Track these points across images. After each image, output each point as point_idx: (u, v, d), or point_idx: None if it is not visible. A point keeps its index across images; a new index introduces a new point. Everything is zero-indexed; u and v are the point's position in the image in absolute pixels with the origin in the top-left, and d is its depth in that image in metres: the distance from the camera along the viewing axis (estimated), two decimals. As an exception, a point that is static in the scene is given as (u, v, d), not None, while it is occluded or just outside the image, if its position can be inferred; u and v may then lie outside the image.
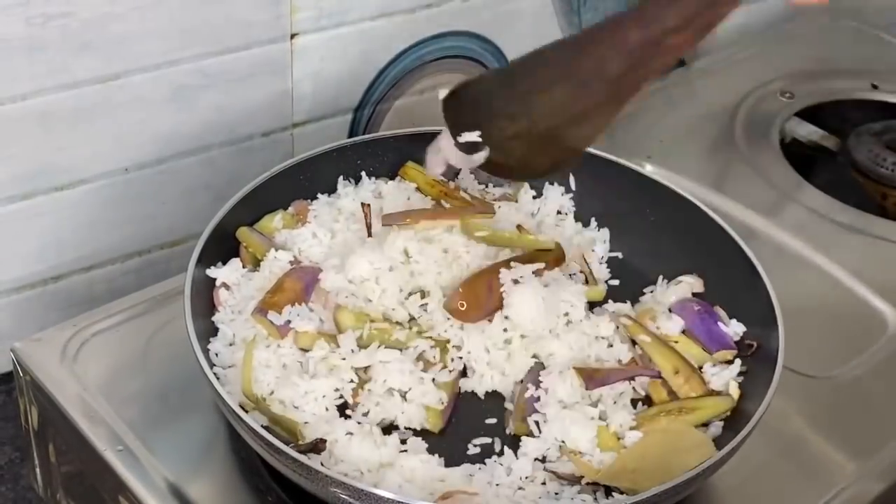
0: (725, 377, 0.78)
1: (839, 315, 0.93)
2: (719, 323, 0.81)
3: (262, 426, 0.69)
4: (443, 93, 0.68)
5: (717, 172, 1.09)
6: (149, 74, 0.93)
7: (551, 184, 0.92)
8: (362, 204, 0.85)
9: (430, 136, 0.91)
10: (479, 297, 0.78)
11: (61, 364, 0.81)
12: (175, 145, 0.97)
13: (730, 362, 0.79)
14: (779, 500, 0.78)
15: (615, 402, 0.76)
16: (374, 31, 1.04)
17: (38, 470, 0.87)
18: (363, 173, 0.90)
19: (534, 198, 0.92)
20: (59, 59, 0.87)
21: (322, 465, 0.69)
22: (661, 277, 0.86)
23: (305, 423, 0.73)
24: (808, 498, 0.78)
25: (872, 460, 0.81)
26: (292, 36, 0.99)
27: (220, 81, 0.97)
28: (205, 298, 0.79)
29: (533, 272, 0.80)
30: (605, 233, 0.90)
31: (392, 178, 0.91)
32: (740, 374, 0.79)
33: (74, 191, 0.94)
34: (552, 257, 0.83)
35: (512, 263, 0.81)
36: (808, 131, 1.17)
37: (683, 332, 0.81)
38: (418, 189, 0.89)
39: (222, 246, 0.82)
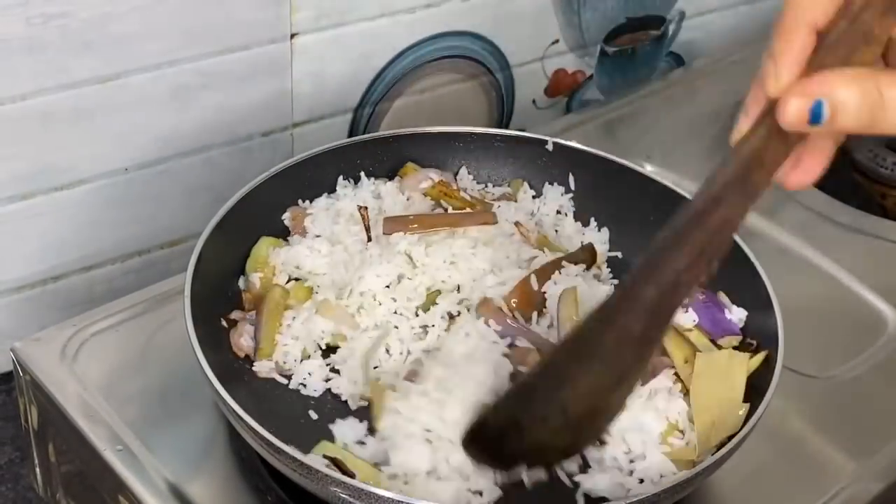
0: None
1: (839, 315, 0.93)
2: (724, 310, 0.81)
3: (260, 426, 0.69)
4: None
5: (717, 172, 1.09)
6: (149, 74, 0.93)
7: (551, 184, 0.92)
8: (359, 207, 0.85)
9: (431, 136, 0.91)
10: (530, 299, 0.80)
11: (61, 364, 0.81)
12: (175, 145, 0.98)
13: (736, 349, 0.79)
14: (778, 500, 0.78)
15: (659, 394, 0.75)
16: (374, 31, 1.05)
17: (38, 470, 0.87)
18: (362, 173, 0.90)
19: (533, 198, 0.92)
20: (59, 59, 0.87)
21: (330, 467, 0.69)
22: None
23: None
24: (807, 498, 0.78)
25: (872, 460, 0.81)
26: (292, 36, 0.99)
27: (220, 81, 0.97)
28: (205, 298, 0.79)
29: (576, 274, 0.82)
30: (605, 233, 0.90)
31: (391, 177, 0.91)
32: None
33: (74, 191, 0.94)
34: (588, 259, 0.85)
35: (563, 264, 0.82)
36: (808, 131, 1.17)
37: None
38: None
39: (222, 245, 0.82)
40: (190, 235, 1.01)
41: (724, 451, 0.70)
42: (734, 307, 0.82)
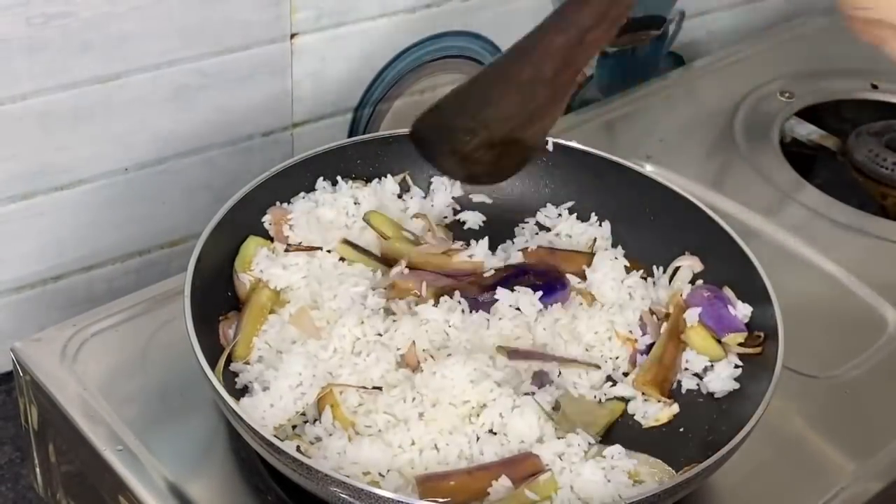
0: (724, 379, 0.79)
1: (839, 315, 0.93)
2: (728, 307, 0.81)
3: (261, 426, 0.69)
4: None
5: (717, 172, 1.09)
6: (149, 74, 0.93)
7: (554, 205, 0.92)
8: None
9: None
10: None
11: (61, 364, 0.81)
12: (175, 145, 0.97)
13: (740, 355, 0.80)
14: (778, 499, 0.78)
15: None
16: (374, 31, 1.04)
17: (38, 470, 0.87)
18: (339, 177, 0.89)
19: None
20: (59, 59, 0.87)
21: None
22: (657, 268, 0.86)
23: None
24: (807, 498, 0.78)
25: (872, 460, 0.81)
26: (292, 36, 0.99)
27: (220, 81, 0.97)
28: (205, 297, 0.79)
29: None
30: (606, 228, 0.90)
31: (369, 180, 0.90)
32: (742, 372, 0.79)
33: (74, 191, 0.94)
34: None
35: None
36: (807, 131, 1.17)
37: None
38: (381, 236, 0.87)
39: (222, 245, 0.82)
40: (190, 235, 1.01)
41: (724, 450, 0.70)
42: (739, 303, 0.82)
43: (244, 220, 0.84)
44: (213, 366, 0.73)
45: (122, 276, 1.00)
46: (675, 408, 0.78)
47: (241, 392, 0.76)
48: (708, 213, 0.86)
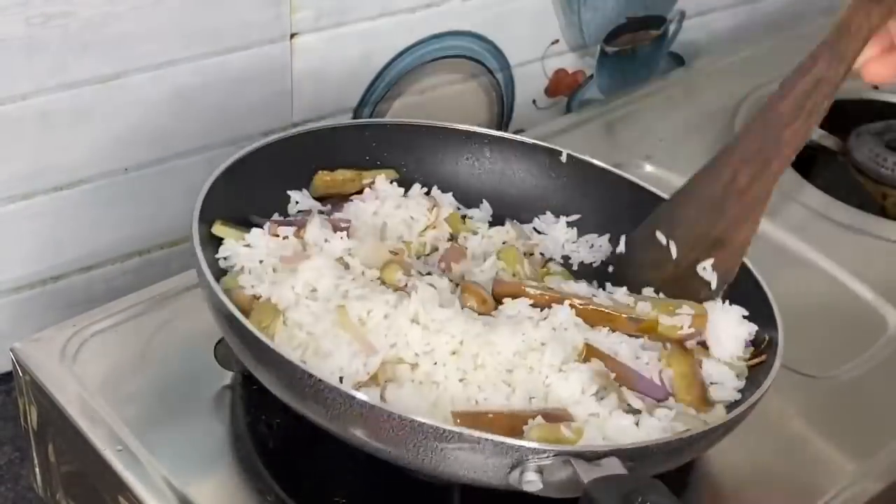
0: (730, 389, 0.77)
1: (839, 315, 0.93)
2: None
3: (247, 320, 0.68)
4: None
5: (717, 172, 1.09)
6: (149, 74, 0.93)
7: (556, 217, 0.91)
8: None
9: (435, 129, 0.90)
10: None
11: (61, 364, 0.81)
12: (174, 145, 0.98)
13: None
14: (778, 500, 0.78)
15: None
16: (374, 31, 1.05)
17: (37, 470, 0.87)
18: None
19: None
20: (59, 59, 0.87)
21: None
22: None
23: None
24: (807, 498, 0.78)
25: (872, 460, 0.81)
26: (292, 36, 0.99)
27: (219, 81, 0.97)
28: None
29: None
30: (604, 239, 0.89)
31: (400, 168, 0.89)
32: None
33: (74, 191, 0.94)
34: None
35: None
36: (808, 131, 1.17)
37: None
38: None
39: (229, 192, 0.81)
40: (189, 236, 1.01)
41: (729, 417, 0.68)
42: (745, 322, 0.79)
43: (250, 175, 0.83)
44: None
45: (122, 276, 1.00)
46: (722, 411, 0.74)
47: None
48: None
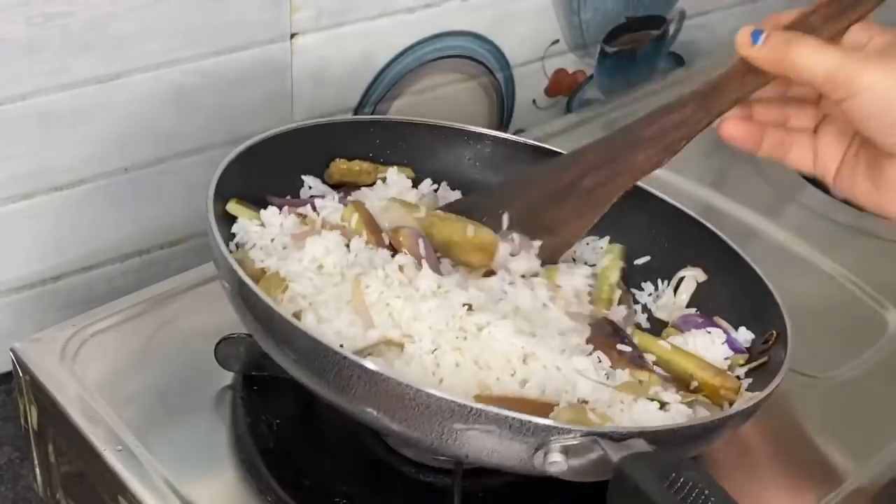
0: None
1: (839, 315, 0.93)
2: (720, 330, 0.79)
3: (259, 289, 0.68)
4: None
5: (717, 172, 1.09)
6: (149, 74, 0.93)
7: None
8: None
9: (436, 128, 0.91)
10: None
11: (61, 364, 0.81)
12: (175, 145, 0.97)
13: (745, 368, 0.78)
14: (778, 499, 0.78)
15: None
16: (374, 31, 1.04)
17: (37, 470, 0.87)
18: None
19: None
20: (59, 59, 0.87)
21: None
22: (661, 280, 0.86)
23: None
24: (807, 498, 0.78)
25: (872, 460, 0.81)
26: (292, 36, 0.99)
27: (220, 81, 0.97)
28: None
29: None
30: (605, 242, 0.89)
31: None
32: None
33: (74, 191, 0.94)
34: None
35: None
36: (808, 131, 1.17)
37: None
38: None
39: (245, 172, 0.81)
40: (190, 235, 1.01)
41: (727, 412, 0.68)
42: (741, 329, 0.80)
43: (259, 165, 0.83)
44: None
45: (122, 275, 1.00)
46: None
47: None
48: (705, 224, 0.85)
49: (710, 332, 0.79)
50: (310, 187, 0.88)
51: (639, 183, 0.87)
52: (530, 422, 0.61)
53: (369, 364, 0.63)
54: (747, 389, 0.76)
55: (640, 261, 0.87)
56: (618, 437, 0.62)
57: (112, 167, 0.95)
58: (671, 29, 1.28)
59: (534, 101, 1.22)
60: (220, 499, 0.75)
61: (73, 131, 0.91)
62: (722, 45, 1.32)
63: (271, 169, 0.84)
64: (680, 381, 0.76)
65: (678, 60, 1.32)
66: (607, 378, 0.72)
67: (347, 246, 0.78)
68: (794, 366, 0.82)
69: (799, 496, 0.78)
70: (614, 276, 0.85)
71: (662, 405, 0.70)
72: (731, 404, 0.74)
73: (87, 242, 0.97)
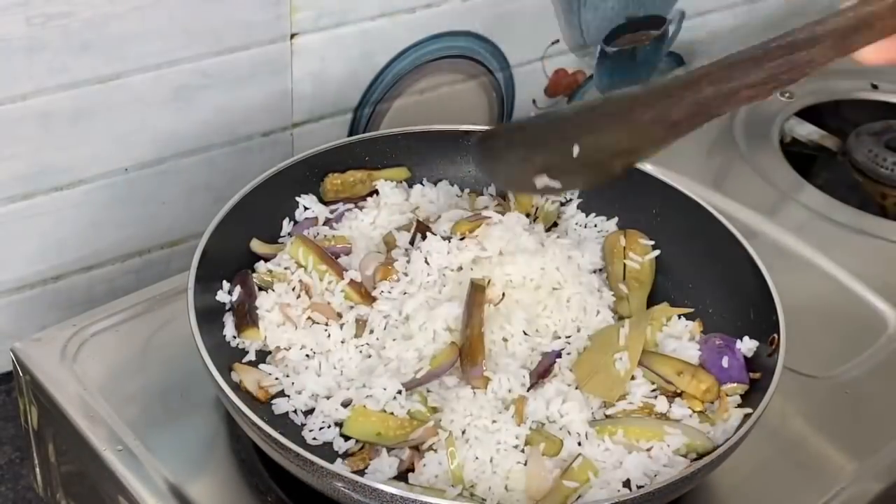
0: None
1: (839, 315, 0.93)
2: (737, 356, 0.79)
3: (264, 421, 0.69)
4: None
5: (717, 172, 1.09)
6: (149, 74, 0.92)
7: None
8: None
9: (438, 134, 0.92)
10: None
11: (61, 364, 0.81)
12: (175, 145, 0.97)
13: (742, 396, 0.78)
14: (778, 500, 0.78)
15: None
16: (374, 31, 1.04)
17: (37, 470, 0.87)
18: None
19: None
20: (59, 59, 0.87)
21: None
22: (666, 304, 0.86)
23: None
24: (807, 498, 0.78)
25: (872, 460, 0.81)
26: (292, 36, 0.99)
27: (220, 81, 0.96)
28: (207, 296, 0.79)
29: None
30: (613, 222, 0.91)
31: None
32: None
33: (74, 191, 0.94)
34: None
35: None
36: (807, 131, 1.17)
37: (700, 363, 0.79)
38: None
39: (223, 248, 0.82)
40: (190, 235, 1.01)
41: (722, 448, 0.70)
42: (745, 339, 0.80)
43: (246, 220, 0.84)
44: (216, 363, 0.72)
45: (123, 276, 1.00)
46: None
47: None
48: (712, 213, 0.86)
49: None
50: (305, 208, 0.88)
51: (650, 170, 0.90)
52: None
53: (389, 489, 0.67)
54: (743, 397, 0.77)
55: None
56: None
57: (112, 167, 0.95)
58: (671, 29, 1.28)
59: (534, 101, 1.22)
60: (221, 499, 0.75)
61: (73, 131, 0.91)
62: (722, 45, 1.32)
63: (258, 217, 0.86)
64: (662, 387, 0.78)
65: (678, 60, 1.32)
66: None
67: (327, 332, 0.80)
68: (794, 366, 0.83)
69: (799, 497, 0.78)
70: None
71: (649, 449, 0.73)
72: (713, 403, 0.77)
73: (88, 242, 0.97)
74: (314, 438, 0.75)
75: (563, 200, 0.92)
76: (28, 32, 0.85)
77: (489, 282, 0.81)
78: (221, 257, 0.81)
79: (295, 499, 0.74)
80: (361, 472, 0.72)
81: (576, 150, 0.71)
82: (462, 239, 0.84)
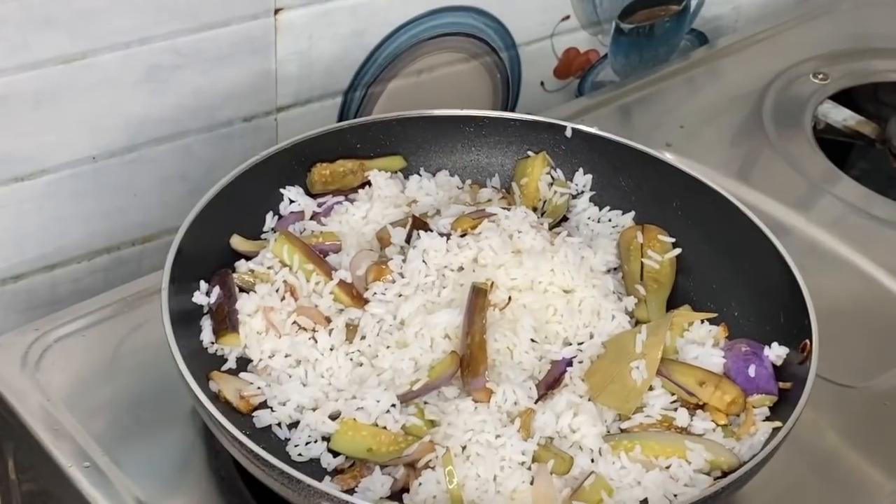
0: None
1: (877, 318, 0.93)
2: (765, 365, 0.79)
3: (245, 434, 0.69)
4: None
5: (744, 161, 1.09)
6: (118, 53, 0.93)
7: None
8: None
9: (436, 120, 0.92)
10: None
11: (22, 372, 0.81)
12: (147, 131, 0.98)
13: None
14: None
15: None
16: (366, 7, 1.05)
17: (-4, 488, 0.87)
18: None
19: (549, 185, 0.92)
20: (18, 36, 0.87)
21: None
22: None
23: None
24: (841, 519, 0.78)
25: (912, 478, 0.81)
26: (276, 11, 0.99)
27: (196, 61, 0.97)
28: (182, 300, 0.79)
29: None
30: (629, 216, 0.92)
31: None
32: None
33: (37, 181, 0.94)
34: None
35: None
36: (843, 116, 1.17)
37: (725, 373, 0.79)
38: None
39: (201, 243, 0.82)
40: (164, 231, 1.01)
41: (750, 464, 0.70)
42: (775, 345, 0.79)
43: (225, 214, 0.84)
44: (192, 372, 0.72)
45: (90, 275, 1.00)
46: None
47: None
48: (738, 206, 0.86)
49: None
50: (290, 201, 0.88)
51: (651, 151, 0.91)
52: None
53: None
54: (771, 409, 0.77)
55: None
56: None
57: (78, 155, 0.95)
58: (693, 4, 1.28)
59: (542, 84, 1.22)
60: (197, 520, 0.75)
61: (35, 116, 0.91)
62: (749, 21, 1.32)
63: (241, 211, 0.86)
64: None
65: (701, 39, 1.32)
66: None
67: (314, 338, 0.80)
68: (829, 375, 0.83)
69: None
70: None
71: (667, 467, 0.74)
72: (738, 416, 0.77)
73: (51, 238, 0.97)
74: (300, 454, 0.75)
75: (574, 193, 0.92)
76: (-15, 7, 0.85)
77: (493, 284, 0.81)
78: (198, 255, 0.81)
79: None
80: (352, 492, 0.72)
81: None
82: (463, 236, 0.84)
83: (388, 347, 0.79)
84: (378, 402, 0.75)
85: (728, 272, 0.86)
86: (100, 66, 0.92)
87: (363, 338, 0.79)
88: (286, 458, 0.73)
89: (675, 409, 0.77)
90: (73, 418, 0.79)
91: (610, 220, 0.92)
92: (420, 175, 0.93)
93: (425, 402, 0.77)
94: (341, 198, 0.89)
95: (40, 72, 0.90)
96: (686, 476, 0.73)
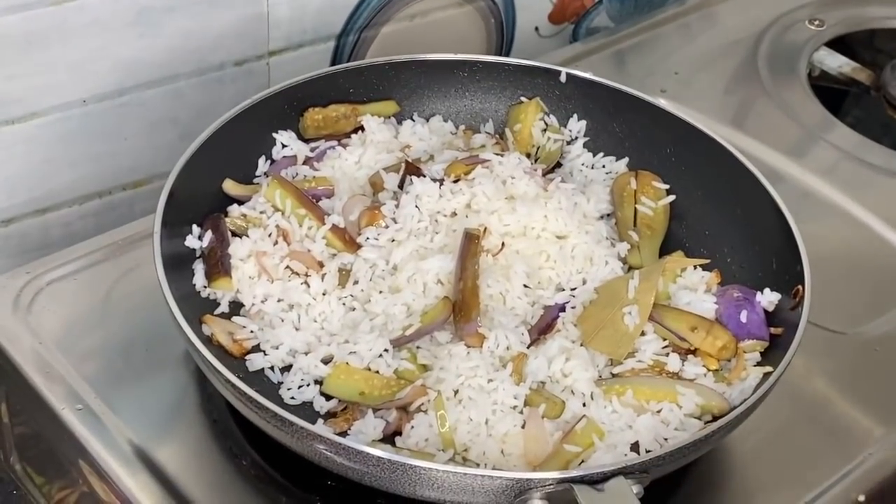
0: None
1: (869, 265, 0.93)
2: (756, 311, 0.79)
3: (238, 377, 0.69)
4: None
5: (738, 108, 1.09)
6: (108, -5, 0.92)
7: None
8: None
9: (430, 64, 0.92)
10: None
11: (14, 315, 0.81)
12: (138, 75, 0.97)
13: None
14: (801, 465, 0.79)
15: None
16: (359, -51, 1.04)
17: (-12, 432, 0.88)
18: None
19: (543, 131, 0.93)
20: (8, -23, 0.87)
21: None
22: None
23: None
24: (832, 463, 0.79)
25: (902, 425, 0.82)
26: (268, -47, 0.99)
27: (187, 4, 0.96)
28: (175, 242, 0.79)
29: None
30: (623, 162, 0.92)
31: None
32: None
33: (26, 125, 0.94)
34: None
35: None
36: (838, 63, 1.17)
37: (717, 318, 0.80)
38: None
39: (193, 187, 0.82)
40: (155, 175, 1.01)
41: (739, 409, 0.70)
42: (766, 291, 0.80)
43: (217, 158, 0.84)
44: (185, 315, 0.73)
45: (81, 219, 1.00)
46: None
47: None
48: (732, 153, 0.86)
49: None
50: (283, 146, 0.88)
51: (645, 96, 0.91)
52: (503, 478, 0.66)
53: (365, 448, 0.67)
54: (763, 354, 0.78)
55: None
56: (597, 479, 0.66)
57: (68, 99, 0.95)
58: (689, -51, 1.27)
59: (536, 29, 1.21)
60: (190, 462, 0.75)
61: (24, 58, 0.91)
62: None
63: (233, 154, 0.86)
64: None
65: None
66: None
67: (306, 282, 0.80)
68: (820, 321, 0.83)
69: (822, 463, 0.79)
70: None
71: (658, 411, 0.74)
72: (729, 361, 0.78)
73: (42, 182, 0.97)
74: (292, 397, 0.75)
75: (568, 139, 0.93)
76: (-27, -53, 0.84)
77: (485, 230, 0.81)
78: (190, 199, 0.81)
79: (272, 462, 0.74)
80: (344, 434, 0.72)
81: None
82: (456, 181, 0.84)
83: (380, 292, 0.79)
84: (370, 349, 0.76)
85: (721, 218, 0.86)
86: (90, 9, 0.92)
87: (356, 283, 0.80)
88: (279, 401, 0.74)
89: (667, 355, 0.78)
90: (66, 361, 0.79)
91: (604, 167, 0.92)
92: (413, 120, 0.93)
93: (418, 347, 0.77)
94: (334, 143, 0.89)
95: (31, 13, 0.89)
96: (677, 420, 0.74)
